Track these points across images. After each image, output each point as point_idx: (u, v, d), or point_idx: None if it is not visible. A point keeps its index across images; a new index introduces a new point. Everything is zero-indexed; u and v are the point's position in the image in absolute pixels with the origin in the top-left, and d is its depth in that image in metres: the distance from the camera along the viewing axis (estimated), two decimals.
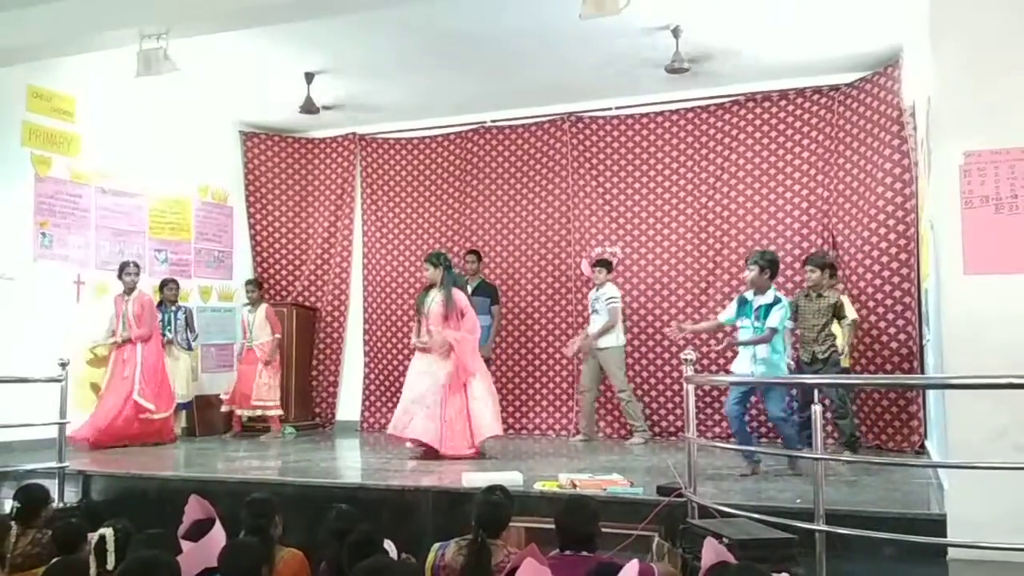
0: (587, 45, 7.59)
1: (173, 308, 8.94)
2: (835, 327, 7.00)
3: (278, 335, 9.21)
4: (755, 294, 6.30)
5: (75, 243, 8.45)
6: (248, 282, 9.55)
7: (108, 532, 3.84)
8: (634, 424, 8.37)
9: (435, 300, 7.41)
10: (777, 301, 6.25)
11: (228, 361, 9.82)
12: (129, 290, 8.25)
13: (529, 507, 4.98)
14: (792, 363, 6.71)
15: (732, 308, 6.50)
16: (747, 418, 6.56)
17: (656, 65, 7.79)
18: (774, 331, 6.22)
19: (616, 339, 8.39)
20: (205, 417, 9.28)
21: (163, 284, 8.98)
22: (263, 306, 9.26)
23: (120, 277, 8.28)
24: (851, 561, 4.15)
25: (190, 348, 9.08)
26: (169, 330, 8.83)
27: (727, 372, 8.41)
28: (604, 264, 8.54)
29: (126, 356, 8.15)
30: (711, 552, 3.25)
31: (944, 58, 4.48)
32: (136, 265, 8.37)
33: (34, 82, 8.11)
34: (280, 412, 9.14)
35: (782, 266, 8.10)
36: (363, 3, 6.57)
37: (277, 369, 9.20)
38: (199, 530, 3.89)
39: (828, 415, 7.13)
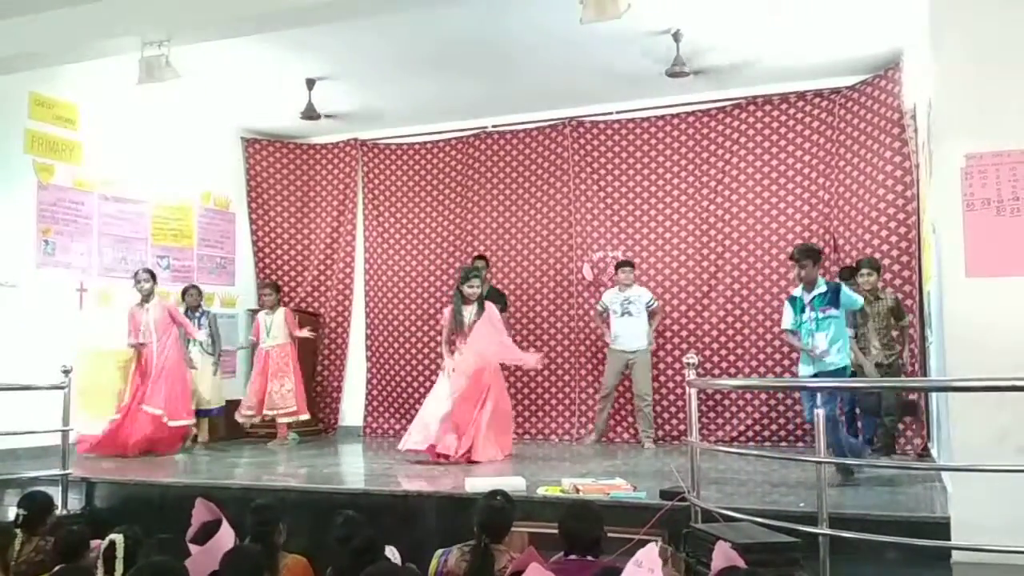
0: (588, 50, 7.59)
1: (197, 314, 8.87)
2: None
3: (297, 333, 9.12)
4: (804, 290, 6.19)
5: (78, 250, 8.46)
6: (266, 285, 9.43)
7: (118, 538, 3.84)
8: (649, 432, 8.35)
9: (472, 314, 7.51)
10: (838, 287, 6.15)
11: (231, 366, 9.81)
12: (145, 298, 8.14)
13: (532, 512, 4.98)
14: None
15: (789, 312, 6.30)
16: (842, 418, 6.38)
17: (657, 69, 7.80)
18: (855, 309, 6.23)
19: (650, 341, 8.40)
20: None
21: (184, 291, 8.97)
22: (281, 310, 9.17)
23: (135, 287, 8.17)
24: (855, 565, 4.14)
25: (214, 353, 8.96)
26: (190, 339, 8.78)
27: (729, 375, 8.45)
28: (631, 264, 8.49)
29: (144, 361, 8.04)
30: (721, 557, 3.26)
31: (944, 60, 4.48)
32: (147, 272, 8.22)
33: (36, 90, 8.13)
34: (291, 419, 9.03)
35: (783, 269, 8.15)
36: (364, 9, 6.58)
37: (296, 372, 9.12)
38: (206, 533, 3.90)
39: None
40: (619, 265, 8.51)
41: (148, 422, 7.90)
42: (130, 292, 8.30)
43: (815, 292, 6.09)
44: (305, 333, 9.23)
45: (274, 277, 10.41)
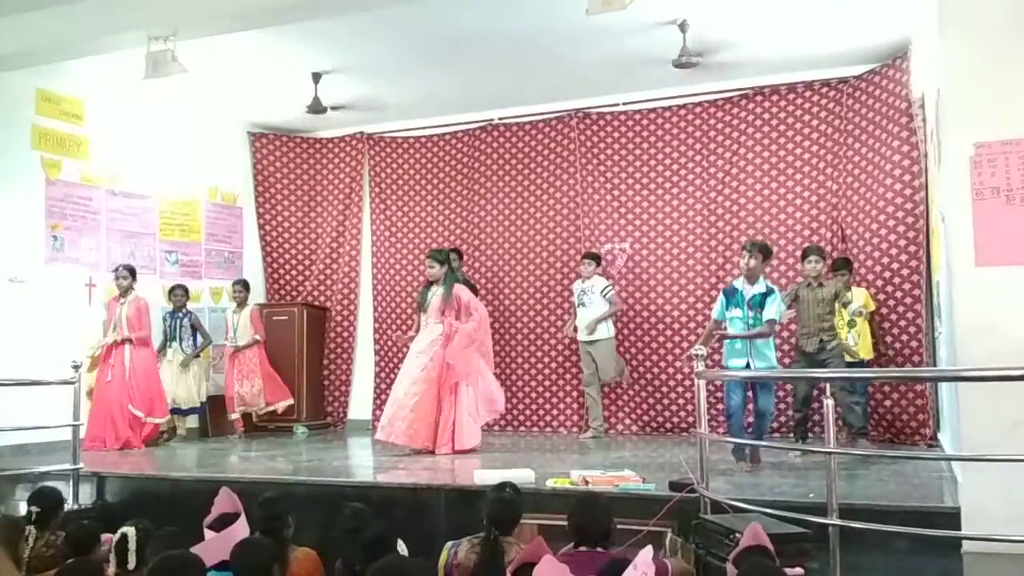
0: (594, 41, 7.58)
1: (180, 314, 8.86)
2: (838, 321, 6.97)
3: (258, 337, 9.20)
4: (745, 283, 6.26)
5: (86, 246, 8.49)
6: (236, 282, 9.47)
7: (130, 531, 3.86)
8: (597, 422, 8.49)
9: (435, 294, 7.52)
10: (771, 291, 6.23)
11: (222, 365, 9.76)
12: (123, 293, 8.14)
13: (542, 504, 4.99)
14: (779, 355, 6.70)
15: (720, 302, 6.42)
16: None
17: (663, 60, 7.78)
18: (774, 323, 6.20)
19: (609, 330, 8.47)
20: (217, 419, 9.28)
21: (171, 290, 8.95)
22: (248, 308, 9.28)
23: (114, 281, 8.22)
24: (865, 555, 4.14)
25: (197, 355, 8.91)
26: (174, 338, 8.75)
27: None
28: (593, 257, 8.59)
29: (112, 360, 7.99)
30: (750, 535, 3.33)
31: (953, 48, 4.46)
32: (126, 268, 8.21)
33: (43, 85, 8.14)
34: (265, 410, 9.21)
35: (791, 260, 8.12)
36: (369, 2, 6.58)
37: (263, 368, 9.22)
38: (223, 523, 3.92)
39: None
40: (583, 256, 8.63)
41: (131, 422, 7.90)
42: (138, 286, 8.28)
43: (755, 290, 6.18)
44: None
45: (282, 271, 10.45)
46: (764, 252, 6.33)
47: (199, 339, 8.93)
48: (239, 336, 9.17)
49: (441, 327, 7.47)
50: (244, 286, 9.42)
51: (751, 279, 6.26)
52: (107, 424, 7.81)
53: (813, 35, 7.57)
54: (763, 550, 3.29)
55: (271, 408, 9.24)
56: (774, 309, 6.16)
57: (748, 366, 6.21)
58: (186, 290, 9.04)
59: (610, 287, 8.49)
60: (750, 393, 6.49)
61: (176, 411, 8.72)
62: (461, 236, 9.83)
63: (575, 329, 8.63)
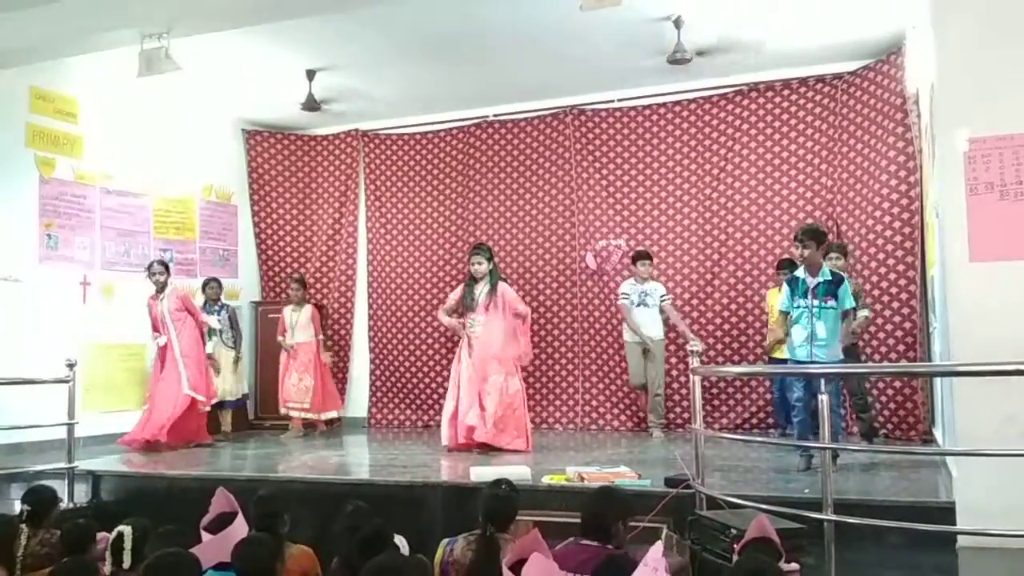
0: (588, 37, 7.57)
1: (217, 307, 8.89)
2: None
3: (321, 336, 9.18)
4: (806, 273, 5.93)
5: (80, 244, 8.46)
6: (295, 280, 9.36)
7: (127, 530, 3.86)
8: (659, 421, 8.30)
9: (483, 292, 7.49)
10: (841, 279, 5.93)
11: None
12: (160, 289, 8.12)
13: (538, 501, 4.99)
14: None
15: (786, 293, 6.04)
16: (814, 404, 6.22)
17: (658, 56, 7.78)
18: (849, 312, 6.02)
19: (663, 330, 8.36)
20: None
21: (205, 284, 8.99)
22: (308, 306, 9.19)
23: (148, 279, 8.17)
24: (860, 550, 4.15)
25: (235, 346, 8.98)
26: (212, 332, 8.76)
27: (733, 363, 8.45)
28: (649, 257, 8.40)
29: (166, 354, 8.03)
30: (755, 528, 3.40)
31: (947, 44, 4.46)
32: (161, 263, 8.22)
33: (37, 84, 8.11)
34: (306, 415, 9.02)
35: (787, 256, 8.12)
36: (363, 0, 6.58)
37: (320, 369, 9.13)
38: (221, 523, 3.92)
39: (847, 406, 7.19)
40: (638, 257, 8.38)
41: (189, 406, 7.89)
42: (133, 285, 8.33)
43: (820, 279, 5.85)
44: (327, 359, 9.25)
45: (277, 269, 10.44)
46: (817, 238, 5.92)
47: (235, 332, 9.01)
48: (297, 334, 9.04)
49: (484, 322, 7.45)
50: (302, 283, 9.31)
51: (812, 270, 5.90)
52: (168, 421, 7.75)
53: (808, 31, 7.58)
54: (768, 542, 3.31)
55: (315, 416, 9.01)
56: (848, 296, 5.91)
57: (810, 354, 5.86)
58: (220, 284, 9.08)
59: (668, 295, 8.38)
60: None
61: (221, 405, 8.76)
62: (456, 233, 9.82)
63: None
